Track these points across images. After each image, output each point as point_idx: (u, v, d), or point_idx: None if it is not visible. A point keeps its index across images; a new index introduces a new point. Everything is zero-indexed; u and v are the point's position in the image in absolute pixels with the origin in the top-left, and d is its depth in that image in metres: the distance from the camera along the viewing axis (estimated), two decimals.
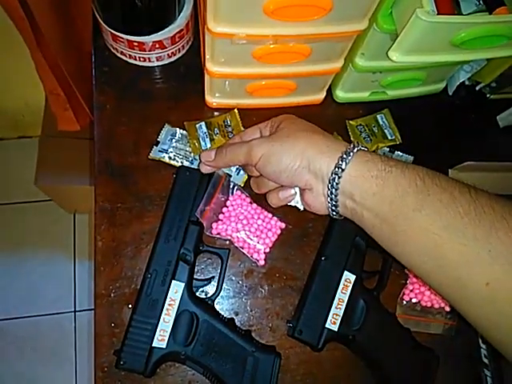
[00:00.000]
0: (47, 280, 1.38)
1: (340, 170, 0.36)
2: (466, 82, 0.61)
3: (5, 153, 1.43)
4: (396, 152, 0.57)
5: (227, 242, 0.51)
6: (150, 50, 0.53)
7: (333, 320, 0.47)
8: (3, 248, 1.39)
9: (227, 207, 0.51)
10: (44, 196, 1.26)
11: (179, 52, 0.56)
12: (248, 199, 0.51)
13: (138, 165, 0.52)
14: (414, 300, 0.52)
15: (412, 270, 0.35)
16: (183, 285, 0.45)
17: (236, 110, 0.55)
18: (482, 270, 0.30)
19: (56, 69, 0.70)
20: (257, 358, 0.45)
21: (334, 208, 0.38)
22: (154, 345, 0.44)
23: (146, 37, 0.51)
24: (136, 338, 0.44)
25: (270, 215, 0.51)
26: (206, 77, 0.50)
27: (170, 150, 0.52)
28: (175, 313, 0.45)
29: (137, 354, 0.43)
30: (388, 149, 0.57)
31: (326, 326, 0.47)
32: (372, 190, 0.35)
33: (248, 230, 0.50)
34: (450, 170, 0.57)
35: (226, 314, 0.49)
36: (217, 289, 0.48)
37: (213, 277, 0.50)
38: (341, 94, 0.57)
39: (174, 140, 0.53)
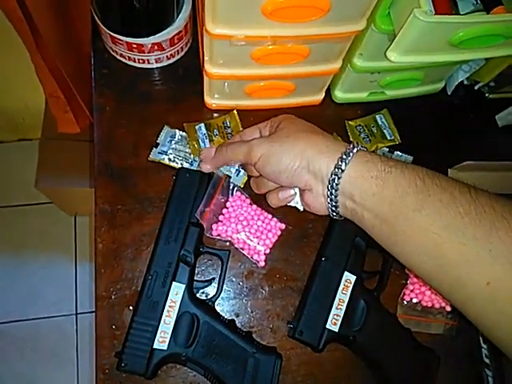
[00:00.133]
0: (48, 282, 1.38)
1: (340, 170, 0.36)
2: (465, 82, 0.61)
3: (5, 155, 1.44)
4: (395, 152, 0.57)
5: (227, 244, 0.51)
6: (148, 52, 0.53)
7: (333, 321, 0.47)
8: (4, 250, 1.39)
9: (227, 208, 0.51)
10: (44, 198, 1.27)
11: (178, 54, 0.56)
12: (248, 200, 0.51)
13: (138, 167, 0.52)
14: (414, 300, 0.52)
15: (412, 269, 0.35)
16: (184, 286, 0.45)
17: (235, 112, 0.55)
18: (482, 269, 0.30)
19: (56, 71, 0.70)
20: (258, 359, 0.45)
21: (333, 208, 0.38)
22: (154, 346, 0.44)
23: (145, 39, 0.51)
24: (137, 340, 0.44)
25: (269, 216, 0.51)
26: (205, 78, 0.50)
27: (170, 151, 0.52)
28: (176, 314, 0.45)
29: (138, 356, 0.44)
30: (387, 149, 0.57)
31: (327, 326, 0.47)
32: (372, 190, 0.34)
33: (248, 231, 0.50)
34: (449, 170, 0.57)
35: (226, 316, 0.49)
36: (217, 290, 0.48)
37: (213, 278, 0.50)
38: (339, 95, 0.57)
39: (173, 142, 0.53)
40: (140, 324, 0.44)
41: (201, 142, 0.52)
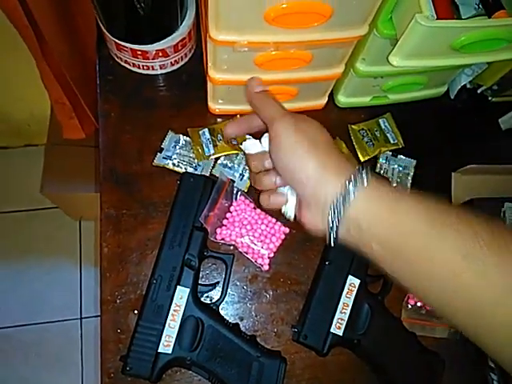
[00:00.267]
0: (53, 287, 1.38)
1: (347, 194, 0.33)
2: (468, 86, 0.62)
3: (11, 161, 1.45)
4: (399, 156, 0.57)
5: (231, 248, 0.51)
6: (153, 59, 0.53)
7: (338, 324, 0.47)
8: (10, 255, 1.40)
9: (231, 212, 0.51)
10: (50, 203, 1.27)
11: (182, 60, 0.57)
12: (252, 204, 0.52)
13: (143, 172, 0.53)
14: (418, 304, 0.52)
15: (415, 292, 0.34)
16: (188, 290, 0.46)
17: (239, 116, 0.55)
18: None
19: (61, 78, 0.71)
20: (262, 363, 0.45)
21: (332, 233, 0.35)
22: (159, 350, 0.44)
23: (150, 45, 0.51)
24: (142, 344, 0.44)
25: (273, 220, 0.52)
26: (209, 84, 0.50)
27: (174, 156, 0.53)
28: (180, 318, 0.45)
29: (143, 360, 0.44)
30: (391, 153, 0.57)
31: (331, 330, 0.47)
32: (382, 217, 0.32)
33: (252, 235, 0.50)
34: (452, 173, 0.57)
35: (230, 319, 0.49)
36: (221, 294, 0.48)
37: (217, 282, 0.50)
38: (342, 99, 0.58)
39: (177, 147, 0.53)
40: (145, 328, 0.44)
41: (205, 147, 0.53)
